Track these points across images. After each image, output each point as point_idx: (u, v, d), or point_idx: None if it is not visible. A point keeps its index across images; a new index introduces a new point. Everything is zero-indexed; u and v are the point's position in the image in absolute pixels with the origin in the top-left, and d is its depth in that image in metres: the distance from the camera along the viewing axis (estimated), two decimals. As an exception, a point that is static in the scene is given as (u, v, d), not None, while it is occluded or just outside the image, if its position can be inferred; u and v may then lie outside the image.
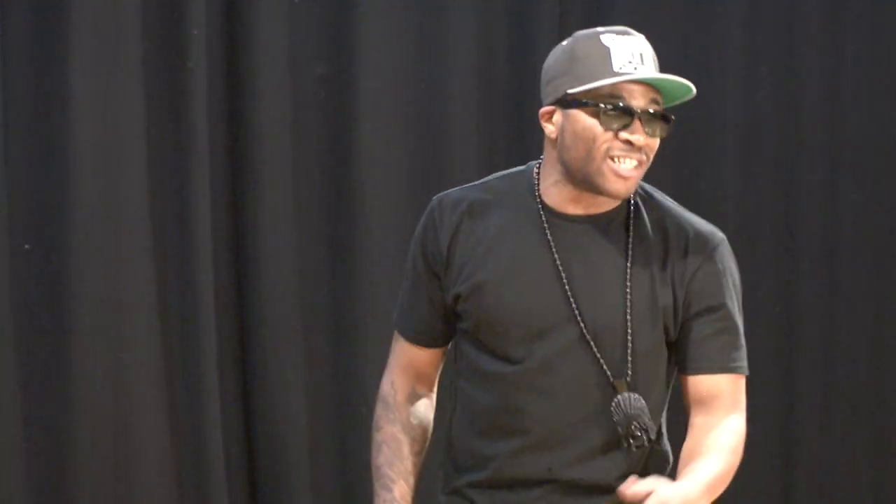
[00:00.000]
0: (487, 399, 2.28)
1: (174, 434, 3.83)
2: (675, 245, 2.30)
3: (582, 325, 2.24)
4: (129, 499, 3.78)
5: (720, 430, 2.27)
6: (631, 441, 2.23)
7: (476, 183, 2.38)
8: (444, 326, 2.35)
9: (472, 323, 2.29)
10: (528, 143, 4.02)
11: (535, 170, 2.33)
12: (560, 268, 2.25)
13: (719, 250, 2.31)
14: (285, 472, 4.00)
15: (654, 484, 2.16)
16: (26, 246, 3.68)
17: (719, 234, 2.34)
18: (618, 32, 2.24)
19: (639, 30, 2.33)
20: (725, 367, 2.30)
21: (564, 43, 2.29)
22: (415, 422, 2.38)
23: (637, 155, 2.20)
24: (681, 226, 2.31)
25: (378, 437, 2.37)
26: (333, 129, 4.07)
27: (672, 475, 2.30)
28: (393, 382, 2.39)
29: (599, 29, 2.26)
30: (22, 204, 3.70)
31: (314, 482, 4.03)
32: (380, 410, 2.38)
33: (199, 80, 3.83)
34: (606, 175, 2.20)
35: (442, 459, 2.40)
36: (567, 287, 2.24)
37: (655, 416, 2.29)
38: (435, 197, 2.36)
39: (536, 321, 2.25)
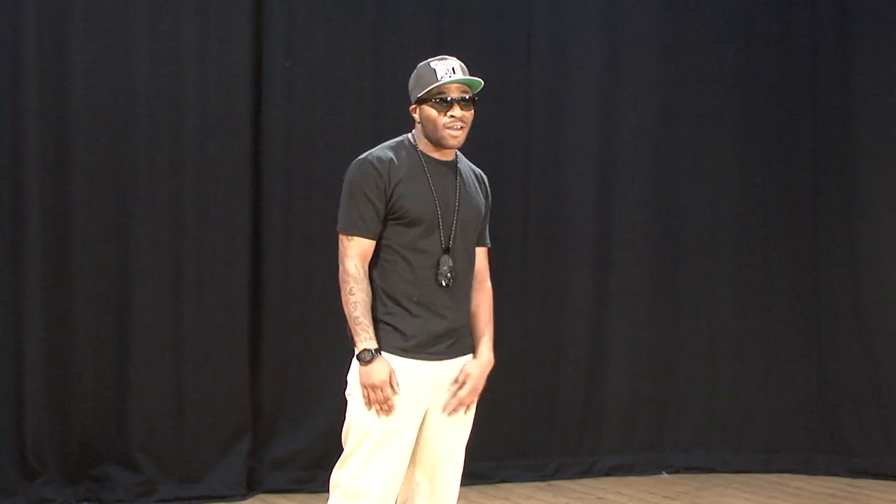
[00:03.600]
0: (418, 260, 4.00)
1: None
2: (475, 176, 4.23)
3: (439, 219, 4.04)
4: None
5: (488, 293, 4.24)
6: (441, 281, 3.99)
7: (382, 146, 4.05)
8: (382, 226, 4.00)
9: (403, 218, 4.01)
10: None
11: (411, 136, 4.11)
12: (433, 188, 4.04)
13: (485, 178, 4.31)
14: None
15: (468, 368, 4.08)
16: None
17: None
18: (439, 59, 4.03)
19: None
20: (487, 243, 4.29)
21: (414, 72, 4.05)
22: (369, 291, 3.96)
23: (459, 123, 4.01)
24: (473, 168, 4.25)
25: (353, 298, 3.90)
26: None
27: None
28: (356, 265, 3.94)
29: (430, 59, 4.03)
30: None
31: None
32: (352, 283, 3.90)
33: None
34: (446, 137, 4.02)
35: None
36: (436, 198, 4.04)
37: (469, 272, 4.12)
38: (366, 158, 4.00)
39: (427, 217, 4.03)
